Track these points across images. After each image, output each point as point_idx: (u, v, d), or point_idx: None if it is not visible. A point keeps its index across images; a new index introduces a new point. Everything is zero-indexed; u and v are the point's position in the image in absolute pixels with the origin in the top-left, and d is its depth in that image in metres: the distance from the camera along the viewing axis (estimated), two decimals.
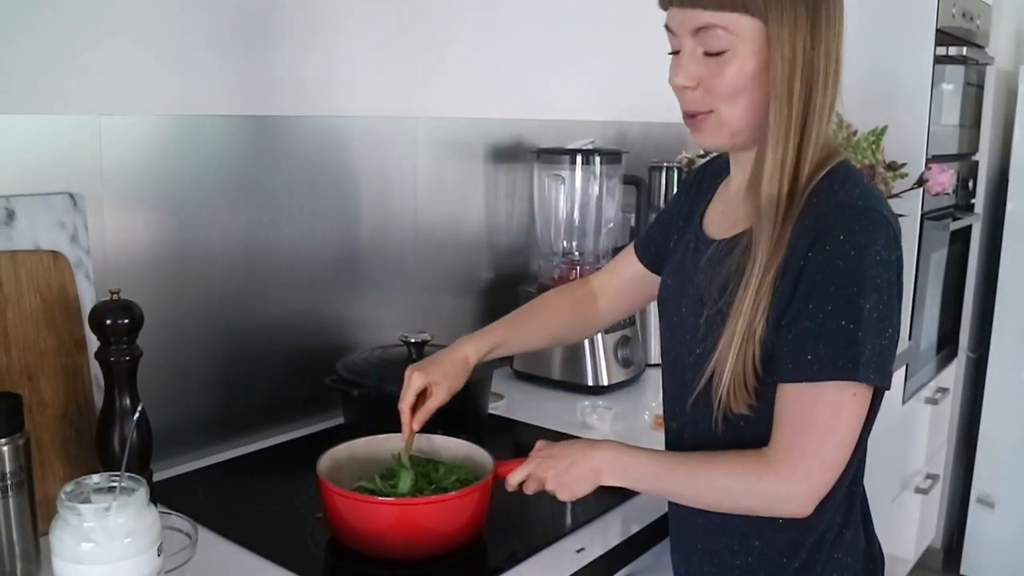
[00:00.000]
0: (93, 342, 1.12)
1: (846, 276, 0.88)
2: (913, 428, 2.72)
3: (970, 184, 2.96)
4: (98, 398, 1.15)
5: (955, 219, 2.68)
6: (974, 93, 2.85)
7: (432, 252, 1.76)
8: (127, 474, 0.87)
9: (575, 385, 1.75)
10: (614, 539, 1.16)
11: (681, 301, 1.06)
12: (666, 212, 1.21)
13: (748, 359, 0.92)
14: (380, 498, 1.07)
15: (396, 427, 1.17)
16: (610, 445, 1.03)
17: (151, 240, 1.31)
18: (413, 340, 1.42)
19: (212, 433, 1.41)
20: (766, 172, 0.93)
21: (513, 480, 1.05)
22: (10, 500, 0.95)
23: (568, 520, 1.19)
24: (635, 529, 1.19)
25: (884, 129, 2.17)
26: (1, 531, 0.95)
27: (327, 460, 1.12)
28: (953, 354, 3.03)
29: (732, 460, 0.95)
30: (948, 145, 2.65)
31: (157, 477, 1.21)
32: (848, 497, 1.01)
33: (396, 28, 1.63)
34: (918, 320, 2.54)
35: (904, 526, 2.77)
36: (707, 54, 0.93)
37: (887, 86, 2.38)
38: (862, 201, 0.92)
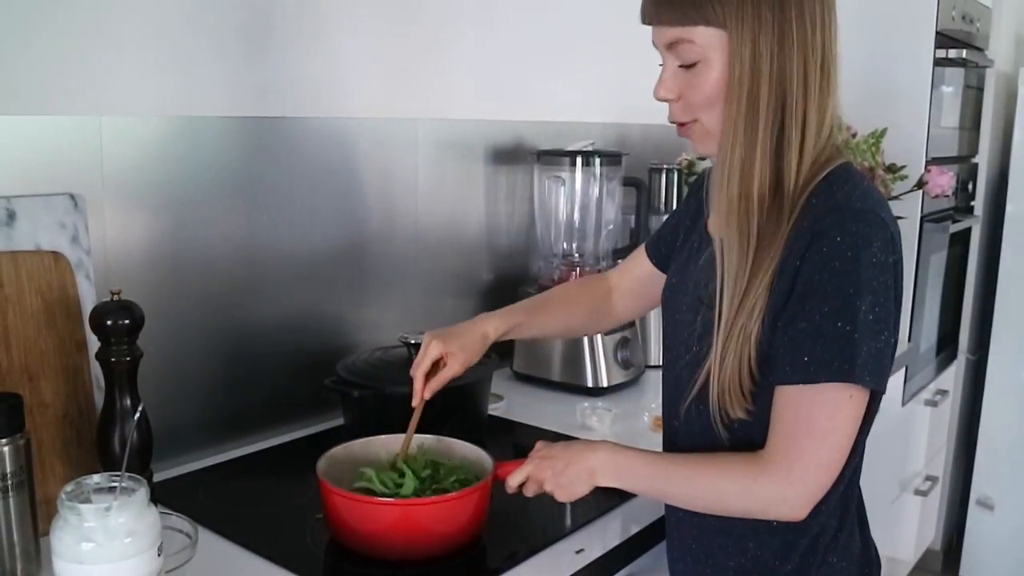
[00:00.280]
0: (94, 342, 1.13)
1: (842, 277, 0.88)
2: (913, 430, 2.71)
3: (970, 186, 2.96)
4: (98, 398, 1.15)
5: (955, 221, 2.68)
6: (974, 95, 2.86)
7: (432, 253, 1.76)
8: (127, 474, 0.87)
9: (575, 386, 1.75)
10: (613, 540, 1.16)
11: (682, 300, 1.07)
12: (677, 212, 1.22)
13: (743, 360, 0.93)
14: (380, 499, 1.07)
15: (396, 428, 1.18)
16: (607, 446, 1.03)
17: (152, 241, 1.31)
18: (413, 341, 1.42)
19: (212, 433, 1.41)
20: (718, 175, 0.96)
21: (513, 482, 1.06)
22: (10, 500, 0.95)
23: (568, 521, 1.19)
24: (634, 530, 1.19)
25: (884, 131, 2.17)
26: (1, 531, 0.95)
27: (327, 460, 1.12)
28: (953, 356, 3.03)
29: (728, 462, 0.95)
30: (948, 147, 2.65)
31: (157, 477, 1.21)
32: (844, 500, 1.01)
33: (396, 29, 1.63)
34: (918, 322, 2.54)
35: (903, 528, 2.76)
36: (683, 67, 0.96)
37: (887, 88, 2.38)
38: (860, 203, 0.92)
